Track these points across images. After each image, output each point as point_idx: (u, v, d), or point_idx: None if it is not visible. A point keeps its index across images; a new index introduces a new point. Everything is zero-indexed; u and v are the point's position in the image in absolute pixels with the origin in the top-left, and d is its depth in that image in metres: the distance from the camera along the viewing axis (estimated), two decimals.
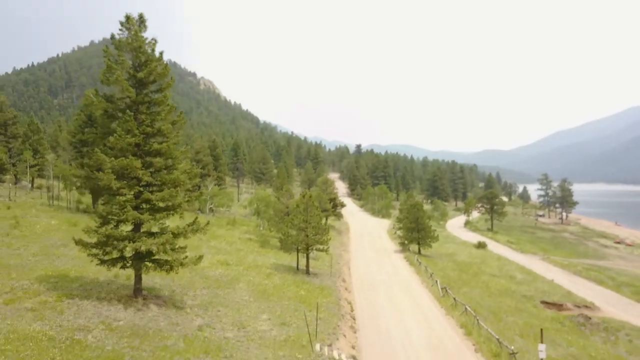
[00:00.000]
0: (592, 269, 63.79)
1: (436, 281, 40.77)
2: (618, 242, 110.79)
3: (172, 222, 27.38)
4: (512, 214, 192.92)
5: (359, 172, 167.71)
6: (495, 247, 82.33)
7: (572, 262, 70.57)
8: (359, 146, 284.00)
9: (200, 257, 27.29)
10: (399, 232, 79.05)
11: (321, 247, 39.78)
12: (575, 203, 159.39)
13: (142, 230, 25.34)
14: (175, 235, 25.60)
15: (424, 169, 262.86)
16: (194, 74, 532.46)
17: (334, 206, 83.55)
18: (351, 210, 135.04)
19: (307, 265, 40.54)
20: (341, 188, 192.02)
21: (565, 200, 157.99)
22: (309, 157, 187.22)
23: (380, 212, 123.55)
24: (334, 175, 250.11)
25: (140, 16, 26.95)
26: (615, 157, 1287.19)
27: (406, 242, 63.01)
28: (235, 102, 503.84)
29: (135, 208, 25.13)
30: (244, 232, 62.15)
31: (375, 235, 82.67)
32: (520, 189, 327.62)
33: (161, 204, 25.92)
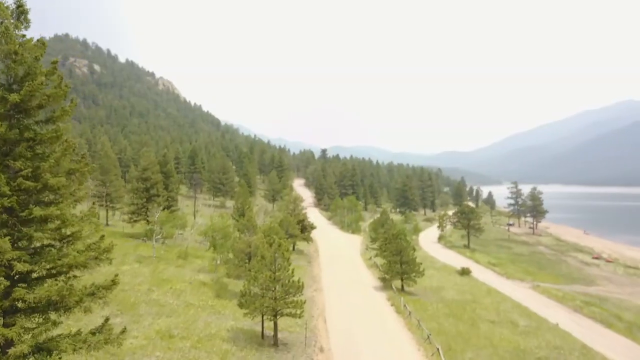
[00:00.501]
0: (591, 303, 57.25)
1: (437, 349, 32.46)
2: (596, 258, 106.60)
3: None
4: (483, 223, 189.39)
5: (326, 180, 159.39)
6: (479, 271, 75.28)
7: (566, 291, 64.09)
8: (324, 151, 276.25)
9: (123, 332, 18.10)
10: (376, 260, 70.90)
11: (293, 311, 30.72)
12: (545, 212, 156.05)
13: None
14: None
15: (389, 175, 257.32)
16: (152, 74, 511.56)
17: (303, 228, 74.62)
18: (319, 223, 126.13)
19: (275, 335, 31.43)
20: (307, 197, 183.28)
21: (536, 210, 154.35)
22: (272, 164, 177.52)
23: (350, 226, 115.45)
24: (299, 182, 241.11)
25: (20, 4, 17.34)
26: (568, 159, 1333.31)
27: (387, 276, 54.72)
28: (195, 104, 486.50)
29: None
30: (197, 269, 52.39)
31: (349, 260, 74.17)
32: (484, 192, 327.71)
33: (44, 302, 16.49)
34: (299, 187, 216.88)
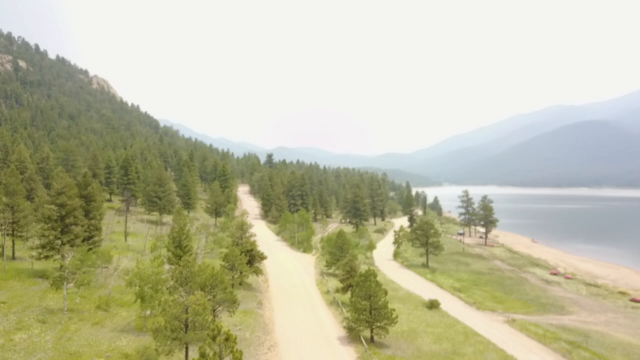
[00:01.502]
0: (576, 344, 51.38)
1: None
2: (554, 274, 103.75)
3: None
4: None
5: (273, 191, 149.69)
6: (446, 300, 68.58)
7: (543, 326, 58.31)
8: (270, 156, 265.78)
9: None
10: (336, 296, 62.46)
11: None
12: (496, 221, 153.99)
13: None
14: None
15: (337, 181, 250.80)
16: (85, 72, 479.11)
17: (252, 258, 64.89)
18: (267, 240, 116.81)
19: None
20: (253, 207, 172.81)
21: (487, 220, 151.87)
22: (215, 172, 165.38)
23: (302, 244, 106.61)
24: (244, 189, 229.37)
25: None
26: (502, 161, 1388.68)
27: (354, 325, 46.25)
28: (133, 104, 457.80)
29: None
30: (121, 326, 41.67)
31: (305, 295, 65.18)
32: (426, 194, 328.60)
33: None
34: (244, 196, 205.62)
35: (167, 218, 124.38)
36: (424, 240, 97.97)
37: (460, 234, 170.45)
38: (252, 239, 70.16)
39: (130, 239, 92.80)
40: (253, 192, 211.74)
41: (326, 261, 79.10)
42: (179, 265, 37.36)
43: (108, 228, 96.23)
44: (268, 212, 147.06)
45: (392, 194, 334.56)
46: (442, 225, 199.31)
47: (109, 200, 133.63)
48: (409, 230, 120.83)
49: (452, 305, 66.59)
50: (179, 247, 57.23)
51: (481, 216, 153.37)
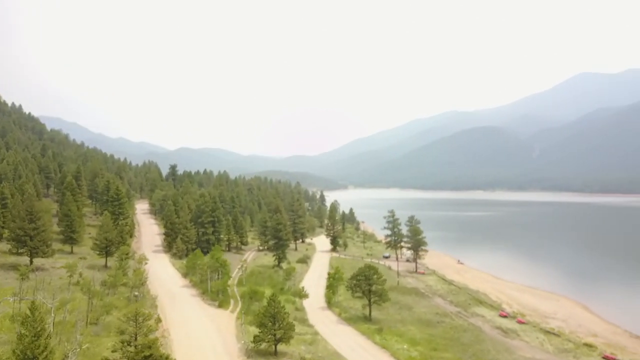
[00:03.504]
0: None
1: None
2: (504, 316, 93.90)
3: None
4: (353, 247, 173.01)
5: (178, 217, 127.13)
6: None
7: None
8: (174, 168, 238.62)
9: None
10: None
11: None
12: (425, 244, 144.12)
13: None
14: None
15: (250, 196, 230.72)
16: None
17: None
18: (171, 287, 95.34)
19: None
20: (153, 234, 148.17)
21: (417, 244, 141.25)
22: (108, 194, 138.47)
23: (217, 295, 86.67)
24: (143, 207, 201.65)
25: None
26: (403, 164, 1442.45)
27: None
28: (14, 104, 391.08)
29: None
30: None
31: None
32: (330, 197, 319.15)
33: None
34: (144, 217, 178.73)
35: (42, 261, 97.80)
36: (366, 288, 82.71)
37: (386, 257, 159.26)
38: (153, 337, 49.66)
39: None
40: (154, 212, 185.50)
41: (254, 337, 60.58)
42: None
43: None
44: (173, 243, 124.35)
45: (306, 204, 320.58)
46: (365, 244, 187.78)
47: None
48: (331, 251, 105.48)
49: None
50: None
51: (411, 242, 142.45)
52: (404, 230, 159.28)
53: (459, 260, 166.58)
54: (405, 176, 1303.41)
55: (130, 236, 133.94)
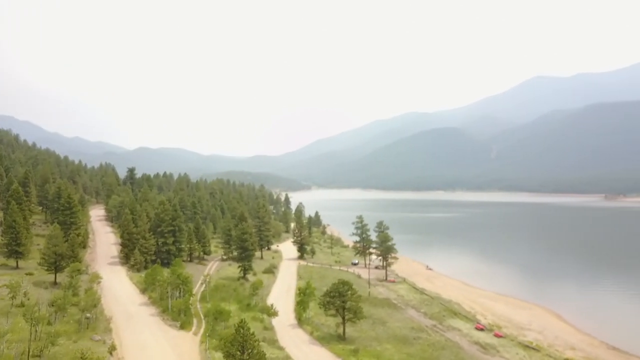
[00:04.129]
0: None
1: None
2: (481, 329, 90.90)
3: None
4: (321, 253, 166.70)
5: (136, 226, 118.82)
6: None
7: None
8: (132, 171, 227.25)
9: None
10: None
11: None
12: (395, 251, 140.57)
13: None
14: None
15: (213, 200, 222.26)
16: None
17: None
18: (128, 305, 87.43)
19: None
20: (109, 244, 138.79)
21: (387, 251, 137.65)
22: (58, 199, 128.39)
23: (179, 315, 79.79)
24: (98, 213, 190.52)
25: None
26: (366, 165, 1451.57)
27: None
28: None
29: None
30: None
31: None
32: (294, 198, 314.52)
33: None
34: (99, 224, 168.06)
35: None
36: (340, 305, 77.79)
37: (355, 264, 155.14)
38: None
39: None
40: (111, 218, 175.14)
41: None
42: None
43: None
44: (130, 253, 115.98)
45: (270, 207, 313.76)
46: (332, 249, 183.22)
47: None
48: (299, 259, 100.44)
49: None
50: None
51: (380, 249, 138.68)
52: (373, 235, 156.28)
53: (427, 266, 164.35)
54: (367, 176, 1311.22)
55: (84, 247, 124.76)
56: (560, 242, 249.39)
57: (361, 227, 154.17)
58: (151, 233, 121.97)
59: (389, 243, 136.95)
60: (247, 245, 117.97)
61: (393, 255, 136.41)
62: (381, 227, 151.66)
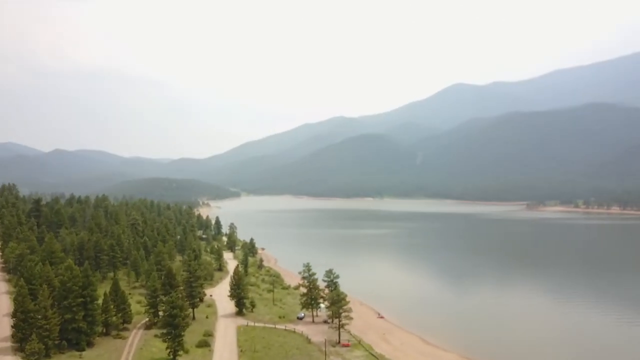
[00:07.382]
0: None
1: None
2: None
3: None
4: (261, 303, 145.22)
5: (35, 300, 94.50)
6: None
7: None
8: (38, 202, 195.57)
9: None
10: None
11: None
12: (350, 310, 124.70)
13: None
14: None
15: (134, 234, 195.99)
16: None
17: None
18: None
19: None
20: (1, 315, 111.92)
21: (339, 310, 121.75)
22: None
23: None
24: None
25: None
26: (295, 170, 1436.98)
27: None
28: None
29: None
30: None
31: None
32: (224, 205, 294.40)
33: None
34: None
35: None
36: None
37: (300, 318, 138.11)
38: None
39: None
40: (8, 269, 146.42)
41: None
42: None
43: None
44: (26, 339, 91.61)
45: (199, 232, 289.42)
46: (273, 294, 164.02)
47: None
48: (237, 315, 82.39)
49: None
50: None
51: (332, 309, 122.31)
52: (320, 280, 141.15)
53: (379, 314, 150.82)
54: (297, 182, 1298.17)
55: None
56: (514, 271, 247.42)
57: (308, 277, 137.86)
58: (55, 307, 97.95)
59: (341, 303, 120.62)
60: (178, 322, 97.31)
61: (346, 315, 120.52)
62: (330, 276, 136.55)
